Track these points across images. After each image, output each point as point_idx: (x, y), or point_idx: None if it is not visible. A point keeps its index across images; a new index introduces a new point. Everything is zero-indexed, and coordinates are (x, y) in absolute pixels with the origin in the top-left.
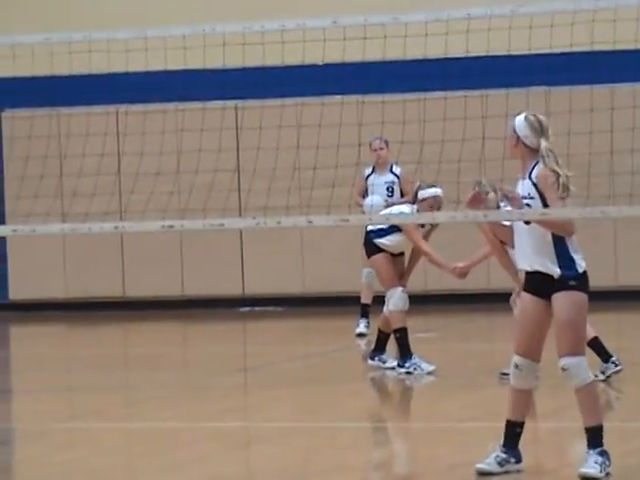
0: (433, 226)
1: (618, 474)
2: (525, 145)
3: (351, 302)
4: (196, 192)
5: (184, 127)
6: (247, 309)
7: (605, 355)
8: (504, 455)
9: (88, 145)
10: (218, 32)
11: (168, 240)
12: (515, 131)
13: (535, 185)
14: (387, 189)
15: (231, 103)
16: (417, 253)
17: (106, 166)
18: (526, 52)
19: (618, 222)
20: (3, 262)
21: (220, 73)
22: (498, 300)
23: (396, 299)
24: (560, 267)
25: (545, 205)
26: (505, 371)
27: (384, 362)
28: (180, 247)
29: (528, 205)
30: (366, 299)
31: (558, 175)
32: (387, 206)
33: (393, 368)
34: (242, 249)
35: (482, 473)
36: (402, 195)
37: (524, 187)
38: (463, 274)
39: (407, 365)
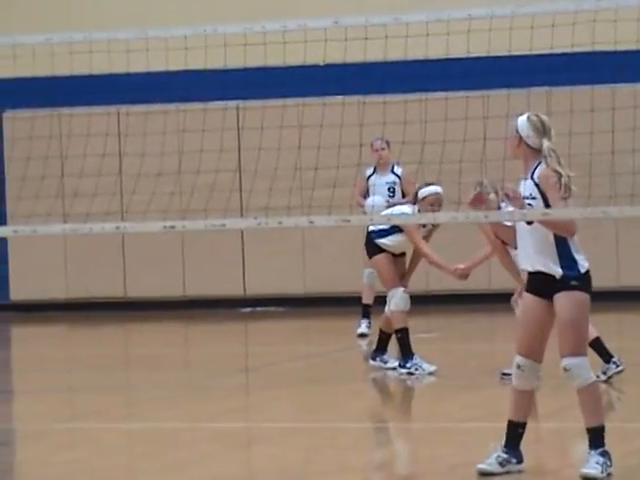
0: (434, 226)
1: (619, 474)
2: (527, 145)
3: (352, 302)
4: (197, 192)
5: (185, 127)
6: (248, 309)
7: (606, 355)
8: (505, 455)
9: (89, 145)
10: (219, 32)
11: (169, 240)
12: (517, 131)
13: (537, 185)
14: (388, 189)
15: (232, 103)
16: (418, 253)
17: (107, 166)
18: (527, 52)
19: (619, 222)
20: (4, 263)
21: (221, 73)
22: (499, 300)
23: (397, 299)
24: (562, 267)
25: (547, 205)
26: (506, 371)
27: (385, 362)
28: (181, 247)
29: (530, 205)
30: (367, 299)
31: (560, 175)
32: (388, 206)
33: (394, 368)
34: (243, 249)
35: (483, 473)
36: (403, 196)
37: (526, 187)
38: (464, 275)
39: (408, 365)
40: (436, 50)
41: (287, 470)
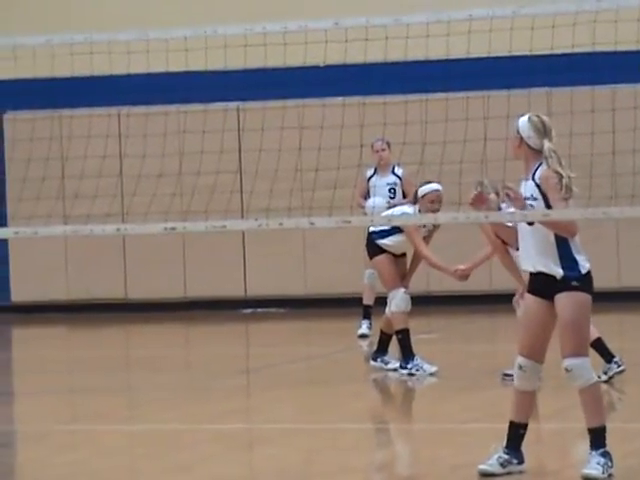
0: (435, 227)
1: (620, 475)
2: (528, 146)
3: (353, 303)
4: (198, 194)
5: (186, 129)
6: (249, 311)
7: (608, 356)
8: (506, 456)
9: (90, 147)
10: (220, 34)
11: (170, 242)
12: (519, 132)
13: (538, 186)
14: (389, 190)
15: (233, 105)
16: (419, 254)
17: (108, 168)
18: (528, 53)
19: (620, 223)
20: (5, 264)
21: (222, 75)
22: (500, 301)
23: (398, 300)
24: (563, 268)
25: (548, 206)
26: (507, 372)
27: (386, 363)
28: (182, 249)
29: (531, 206)
30: (368, 300)
31: (561, 176)
32: (389, 207)
33: (395, 369)
34: (244, 250)
35: (484, 474)
36: (404, 196)
37: (527, 188)
38: (465, 276)
39: (409, 366)
40: (436, 51)
41: (288, 471)
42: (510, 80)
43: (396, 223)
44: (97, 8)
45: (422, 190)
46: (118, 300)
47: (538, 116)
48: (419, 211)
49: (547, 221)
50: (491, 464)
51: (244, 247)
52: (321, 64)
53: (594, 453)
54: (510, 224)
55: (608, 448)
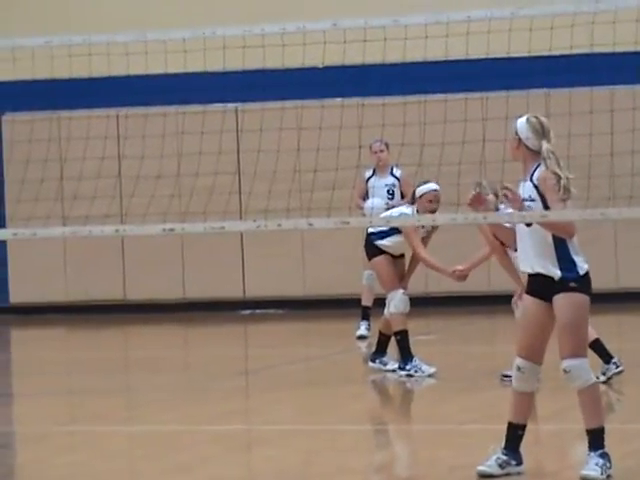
0: (433, 228)
1: (619, 476)
2: (527, 147)
3: (352, 304)
4: (197, 195)
5: (185, 130)
6: (248, 312)
7: (606, 356)
8: (505, 457)
9: (88, 148)
10: (218, 35)
11: (169, 243)
12: (517, 133)
13: (536, 187)
14: (387, 192)
15: (231, 106)
16: (417, 256)
17: (107, 169)
18: (526, 54)
19: (618, 224)
20: (3, 265)
21: (220, 76)
22: (499, 302)
23: (397, 301)
24: (561, 269)
25: (546, 207)
26: (506, 373)
27: (385, 364)
28: (181, 250)
29: (529, 207)
30: (367, 301)
31: (559, 177)
32: (387, 208)
33: (394, 370)
34: (243, 252)
35: (483, 475)
36: (402, 197)
37: (525, 189)
38: (463, 277)
39: (408, 367)
40: (435, 52)
41: (287, 472)
42: (509, 81)
43: (395, 224)
44: (96, 9)
45: (420, 190)
46: (117, 301)
47: (536, 117)
48: (417, 211)
49: (545, 222)
50: (490, 465)
51: (243, 248)
52: (320, 65)
53: (593, 454)
54: (508, 225)
55: (607, 449)
